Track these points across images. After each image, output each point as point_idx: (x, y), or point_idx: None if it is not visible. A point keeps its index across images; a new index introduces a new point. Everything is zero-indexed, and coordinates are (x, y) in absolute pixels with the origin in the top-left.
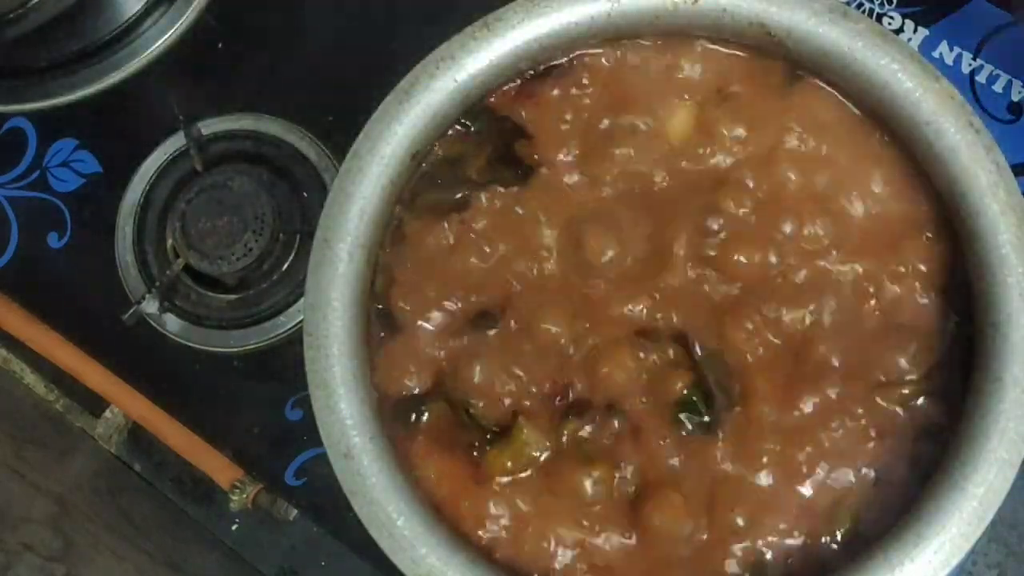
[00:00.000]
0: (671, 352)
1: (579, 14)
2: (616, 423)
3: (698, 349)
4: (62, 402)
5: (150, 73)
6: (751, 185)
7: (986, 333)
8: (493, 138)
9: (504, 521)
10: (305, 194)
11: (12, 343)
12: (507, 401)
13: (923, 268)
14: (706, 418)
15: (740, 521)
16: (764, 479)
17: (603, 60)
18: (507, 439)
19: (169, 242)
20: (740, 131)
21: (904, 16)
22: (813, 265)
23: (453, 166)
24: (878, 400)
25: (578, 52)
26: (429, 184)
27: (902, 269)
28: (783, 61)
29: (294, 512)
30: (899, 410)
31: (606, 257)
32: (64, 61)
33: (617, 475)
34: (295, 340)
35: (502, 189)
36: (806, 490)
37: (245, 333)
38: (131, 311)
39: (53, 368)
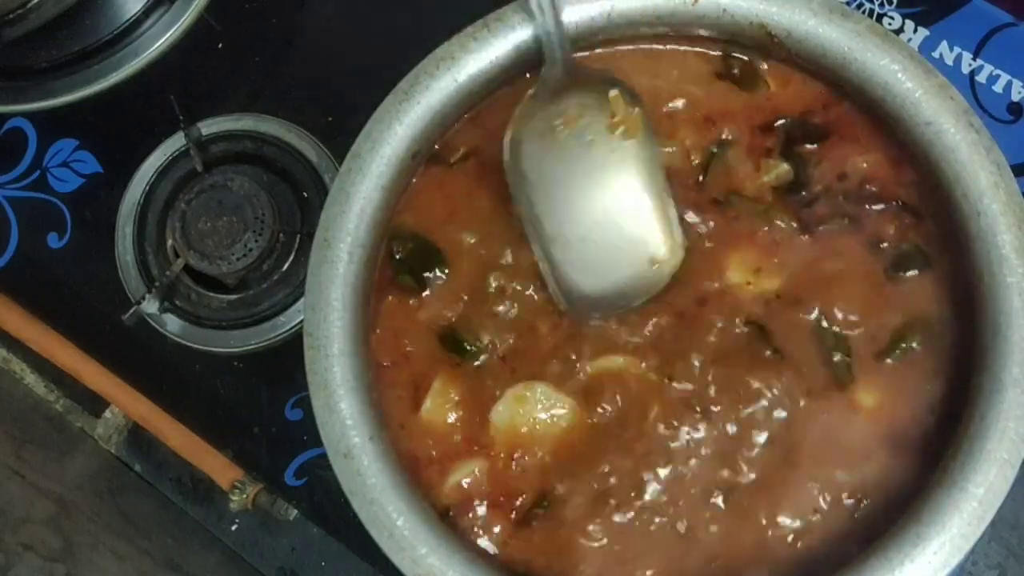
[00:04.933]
0: None
1: (579, 15)
2: None
3: None
4: (62, 402)
5: (150, 73)
6: None
7: (986, 333)
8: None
9: None
10: (305, 194)
11: (12, 343)
12: None
13: None
14: None
15: None
16: None
17: None
18: None
19: (169, 242)
20: None
21: (904, 16)
22: None
23: None
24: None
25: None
26: None
27: None
28: None
29: (294, 512)
30: None
31: None
32: (64, 61)
33: None
34: (295, 340)
35: None
36: None
37: (245, 333)
38: (131, 311)
39: (53, 368)
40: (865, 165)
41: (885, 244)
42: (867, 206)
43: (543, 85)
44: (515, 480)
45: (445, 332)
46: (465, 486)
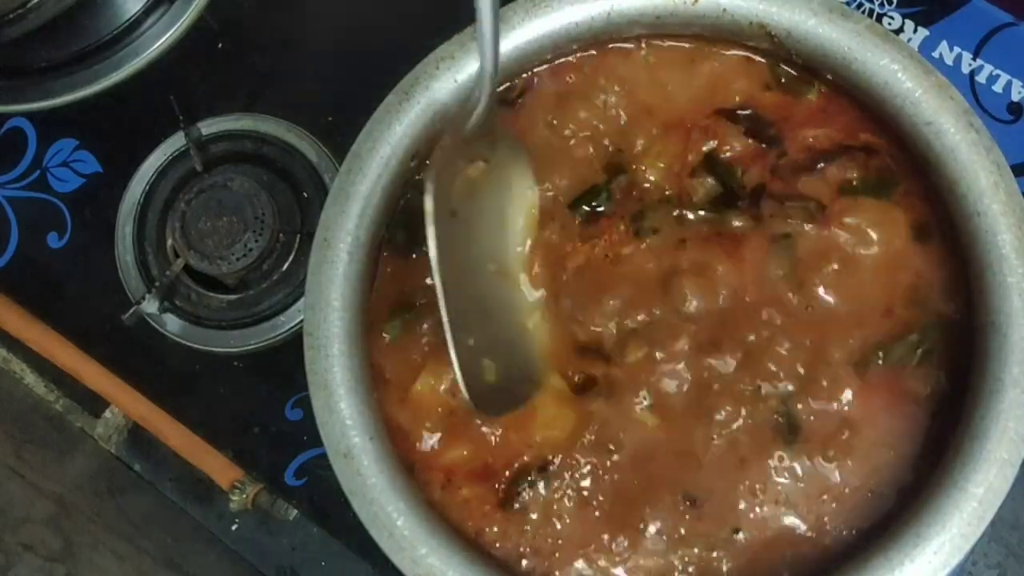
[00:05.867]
0: None
1: (579, 14)
2: None
3: None
4: (62, 402)
5: (150, 73)
6: None
7: (986, 333)
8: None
9: None
10: (305, 194)
11: (12, 343)
12: None
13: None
14: None
15: None
16: None
17: None
18: None
19: (169, 242)
20: None
21: (904, 16)
22: None
23: None
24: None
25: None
26: None
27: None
28: None
29: (294, 512)
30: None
31: None
32: (64, 61)
33: None
34: (295, 340)
35: None
36: None
37: (245, 333)
38: (131, 311)
39: (53, 368)
40: (811, 139)
41: (856, 184)
42: (817, 167)
43: (463, 113)
44: (502, 457)
45: (400, 301)
46: (455, 462)
